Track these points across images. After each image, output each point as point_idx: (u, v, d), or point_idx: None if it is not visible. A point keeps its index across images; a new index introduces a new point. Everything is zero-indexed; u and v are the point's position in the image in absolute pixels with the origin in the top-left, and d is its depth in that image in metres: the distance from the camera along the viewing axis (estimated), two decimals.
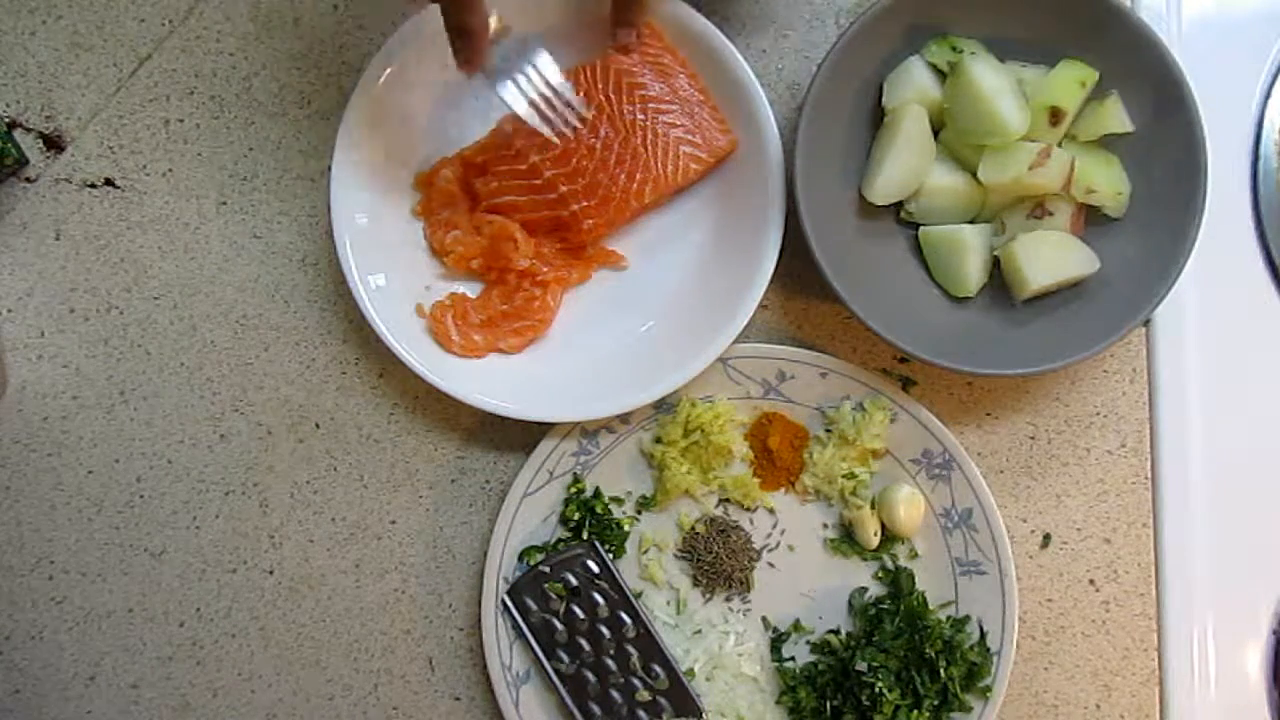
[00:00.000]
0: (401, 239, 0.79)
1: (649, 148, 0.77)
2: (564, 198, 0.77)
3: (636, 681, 0.77)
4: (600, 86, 0.77)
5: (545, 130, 0.75)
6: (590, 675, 0.77)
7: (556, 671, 0.77)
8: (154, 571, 0.81)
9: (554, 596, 0.77)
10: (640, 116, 0.77)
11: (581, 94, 0.77)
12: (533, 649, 0.77)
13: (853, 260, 0.75)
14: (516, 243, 0.78)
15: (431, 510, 0.80)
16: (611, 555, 0.78)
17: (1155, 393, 0.81)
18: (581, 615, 0.77)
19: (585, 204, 0.78)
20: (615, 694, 0.77)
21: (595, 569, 0.77)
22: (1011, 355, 0.76)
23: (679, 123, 0.78)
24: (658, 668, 0.76)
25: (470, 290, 0.80)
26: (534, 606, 0.77)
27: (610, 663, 0.77)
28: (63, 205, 0.81)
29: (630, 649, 0.77)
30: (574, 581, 0.77)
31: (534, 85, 0.74)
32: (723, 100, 0.78)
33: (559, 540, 0.78)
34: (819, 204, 0.74)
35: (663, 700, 0.76)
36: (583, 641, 0.77)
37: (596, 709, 0.77)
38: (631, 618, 0.76)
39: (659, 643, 0.77)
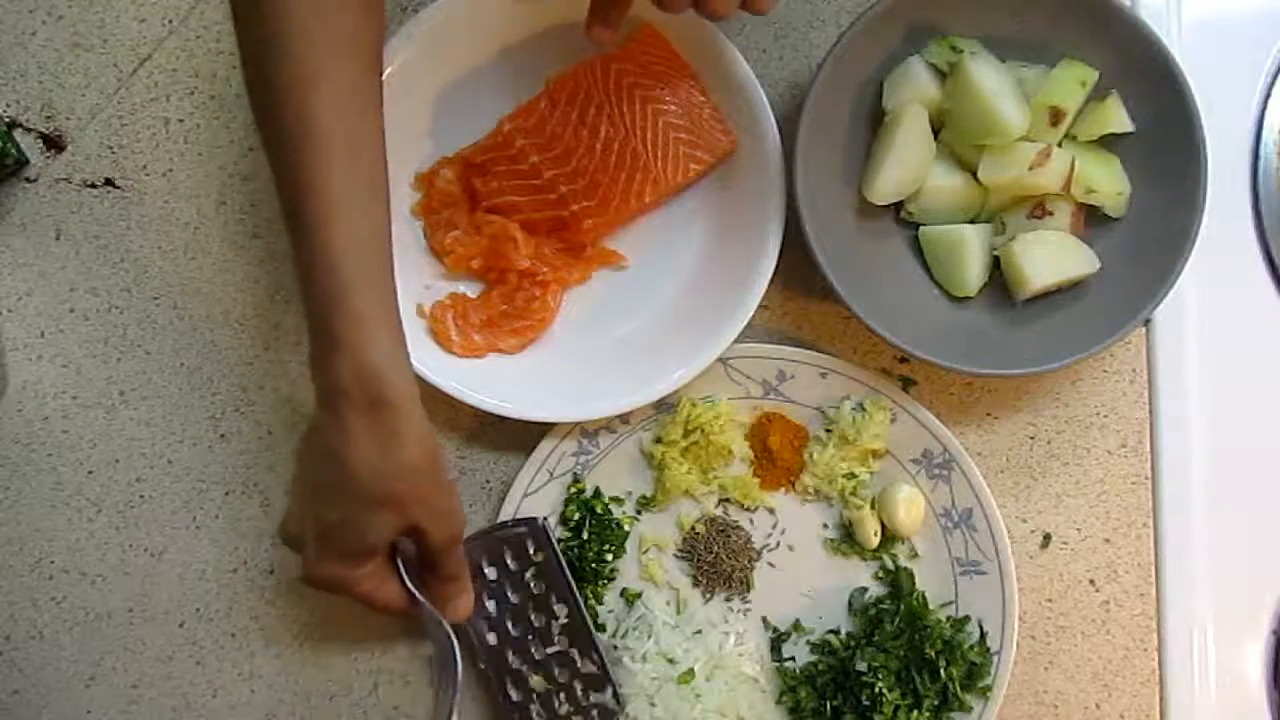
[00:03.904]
0: (401, 239, 0.79)
1: (649, 148, 0.77)
2: (564, 198, 0.77)
3: (559, 669, 0.76)
4: (600, 86, 0.77)
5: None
6: (512, 656, 0.77)
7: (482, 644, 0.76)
8: (154, 571, 0.81)
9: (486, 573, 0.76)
10: (640, 116, 0.77)
11: (582, 93, 0.77)
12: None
13: (853, 260, 0.75)
14: (516, 243, 0.78)
15: None
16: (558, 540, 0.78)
17: (1155, 393, 0.81)
18: (514, 598, 0.76)
19: (585, 204, 0.77)
20: (534, 677, 0.76)
21: (533, 551, 0.76)
22: (1011, 355, 0.76)
23: (679, 122, 0.78)
24: (582, 655, 0.76)
25: (470, 290, 0.80)
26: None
27: (533, 649, 0.76)
28: (63, 205, 0.81)
29: (559, 636, 0.76)
30: (512, 565, 0.76)
31: None
32: (723, 100, 0.78)
33: (557, 540, 0.78)
34: (819, 204, 0.74)
35: (578, 685, 0.76)
36: (509, 624, 0.77)
37: (514, 693, 0.77)
38: (569, 605, 0.75)
39: (590, 631, 0.75)
